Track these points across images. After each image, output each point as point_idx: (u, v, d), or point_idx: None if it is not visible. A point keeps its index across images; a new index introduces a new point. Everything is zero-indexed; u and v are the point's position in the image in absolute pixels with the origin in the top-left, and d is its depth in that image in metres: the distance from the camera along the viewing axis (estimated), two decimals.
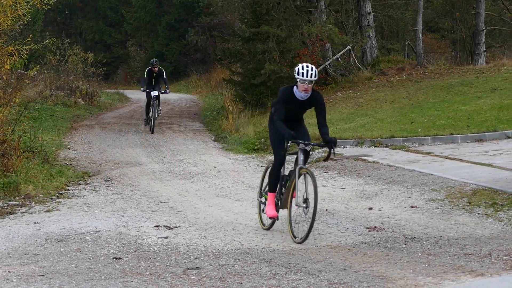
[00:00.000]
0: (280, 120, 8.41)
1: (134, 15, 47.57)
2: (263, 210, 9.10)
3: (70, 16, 51.55)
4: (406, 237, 8.39)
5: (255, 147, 17.00)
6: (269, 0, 23.57)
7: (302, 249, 7.96)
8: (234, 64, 25.62)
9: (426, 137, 15.96)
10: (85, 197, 11.66)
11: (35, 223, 9.67)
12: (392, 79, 24.29)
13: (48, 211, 10.50)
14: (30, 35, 14.54)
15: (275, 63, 22.51)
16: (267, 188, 8.92)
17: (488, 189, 10.36)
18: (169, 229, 9.23)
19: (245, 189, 12.23)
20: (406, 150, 15.14)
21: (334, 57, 25.92)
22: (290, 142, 8.44)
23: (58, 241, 8.64)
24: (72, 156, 16.17)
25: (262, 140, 17.10)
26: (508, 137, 15.44)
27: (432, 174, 11.92)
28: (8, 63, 13.04)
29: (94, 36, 49.68)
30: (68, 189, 12.29)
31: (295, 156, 8.60)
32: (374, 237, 8.48)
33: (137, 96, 31.99)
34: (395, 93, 21.90)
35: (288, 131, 8.30)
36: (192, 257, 7.76)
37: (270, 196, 8.83)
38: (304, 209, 8.21)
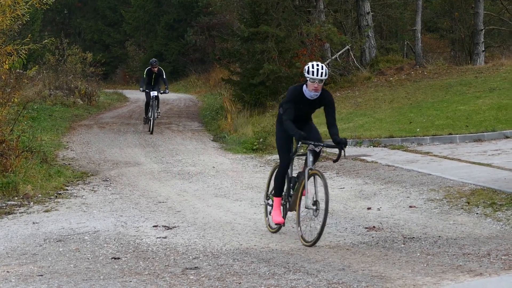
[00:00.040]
0: (289, 120, 8.23)
1: (133, 15, 47.56)
2: (269, 213, 8.90)
3: (69, 16, 51.53)
4: (404, 237, 8.40)
5: (254, 147, 16.99)
6: (268, 0, 23.58)
7: (301, 249, 7.96)
8: (233, 64, 25.61)
9: (425, 137, 15.97)
10: (84, 197, 11.66)
11: (33, 223, 9.67)
12: (391, 79, 24.30)
13: (46, 211, 10.49)
14: (29, 35, 14.54)
15: (274, 63, 22.52)
16: (273, 192, 8.74)
17: (486, 189, 10.37)
18: (167, 229, 9.22)
19: (244, 189, 12.23)
20: (405, 150, 15.15)
21: (333, 57, 25.92)
22: (300, 143, 8.26)
23: (57, 241, 8.63)
24: (70, 156, 16.16)
25: (261, 140, 17.10)
26: (507, 137, 15.45)
27: (430, 174, 11.93)
28: (7, 63, 13.02)
29: (93, 36, 49.66)
30: (67, 189, 12.28)
31: (304, 157, 8.41)
32: (372, 237, 8.48)
33: (136, 96, 31.99)
34: (394, 93, 21.90)
35: (298, 131, 8.12)
36: (190, 257, 7.76)
37: (276, 200, 8.66)
38: (314, 211, 8.05)
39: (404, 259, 7.33)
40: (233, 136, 19.01)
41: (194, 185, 12.77)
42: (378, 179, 12.21)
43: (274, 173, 8.74)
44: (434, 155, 14.08)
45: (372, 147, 15.88)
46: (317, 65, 8.24)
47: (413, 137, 16.02)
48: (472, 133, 15.84)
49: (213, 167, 14.79)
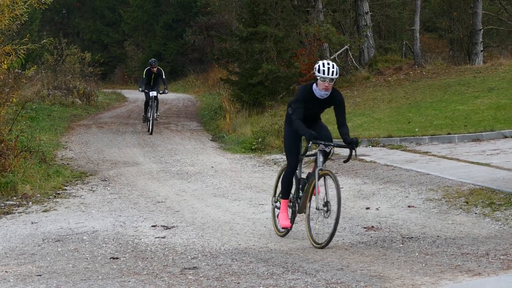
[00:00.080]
0: (299, 120, 8.07)
1: (131, 15, 47.56)
2: (277, 216, 8.66)
3: (67, 15, 51.52)
4: (403, 237, 8.40)
5: (253, 147, 16.99)
6: (267, 0, 23.58)
7: (299, 249, 7.96)
8: (232, 64, 25.62)
9: (424, 136, 15.97)
10: (83, 197, 11.66)
11: (32, 223, 9.67)
12: (390, 78, 24.30)
13: (45, 211, 10.49)
14: (28, 35, 14.51)
15: (272, 63, 22.51)
16: (280, 194, 8.59)
17: (485, 188, 10.37)
18: (166, 229, 9.22)
19: (243, 189, 12.23)
20: (404, 150, 15.15)
21: (332, 57, 25.89)
22: (310, 143, 8.14)
23: (56, 241, 8.63)
24: (69, 156, 16.15)
25: (260, 139, 17.10)
26: (506, 137, 15.45)
27: (429, 174, 11.93)
28: (5, 62, 13.02)
29: (92, 36, 49.65)
30: (66, 189, 12.28)
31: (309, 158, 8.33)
32: (371, 237, 8.48)
33: (135, 95, 31.98)
34: (393, 92, 21.90)
35: (309, 131, 7.95)
36: (189, 257, 7.76)
37: (283, 203, 8.50)
38: (325, 212, 7.88)
39: (402, 259, 7.33)
40: (232, 136, 19.01)
41: (192, 185, 12.77)
42: (376, 179, 12.21)
43: (282, 175, 8.59)
44: (433, 155, 14.08)
45: (370, 147, 15.89)
46: (328, 63, 8.04)
47: (412, 137, 16.02)
48: (470, 133, 15.84)
49: (212, 167, 14.78)
